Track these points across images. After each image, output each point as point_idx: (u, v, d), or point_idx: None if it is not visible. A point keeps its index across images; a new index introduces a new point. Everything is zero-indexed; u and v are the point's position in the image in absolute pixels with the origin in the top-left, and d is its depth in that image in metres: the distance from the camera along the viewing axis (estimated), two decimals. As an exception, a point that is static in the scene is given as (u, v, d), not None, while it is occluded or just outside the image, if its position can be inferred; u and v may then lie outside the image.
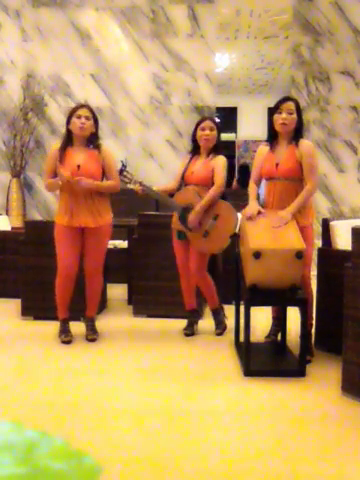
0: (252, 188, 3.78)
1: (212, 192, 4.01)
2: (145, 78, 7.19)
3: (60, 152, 3.88)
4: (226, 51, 9.20)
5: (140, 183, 4.06)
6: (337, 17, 6.88)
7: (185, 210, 4.04)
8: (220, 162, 4.08)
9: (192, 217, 4.01)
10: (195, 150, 4.18)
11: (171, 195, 4.20)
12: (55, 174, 3.87)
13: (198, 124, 4.13)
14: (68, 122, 3.89)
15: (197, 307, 4.35)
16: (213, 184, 4.05)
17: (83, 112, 3.85)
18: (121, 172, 4.06)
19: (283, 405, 2.93)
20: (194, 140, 4.16)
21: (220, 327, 4.27)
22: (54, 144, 4.08)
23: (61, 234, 3.93)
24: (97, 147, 3.94)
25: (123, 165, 4.08)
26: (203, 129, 4.08)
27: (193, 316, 4.30)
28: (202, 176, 4.06)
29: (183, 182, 4.16)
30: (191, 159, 4.17)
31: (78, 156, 3.88)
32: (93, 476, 0.51)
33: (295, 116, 3.61)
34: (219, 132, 4.15)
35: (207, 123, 4.10)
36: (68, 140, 3.92)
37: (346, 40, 6.89)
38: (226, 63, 9.91)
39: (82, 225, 3.89)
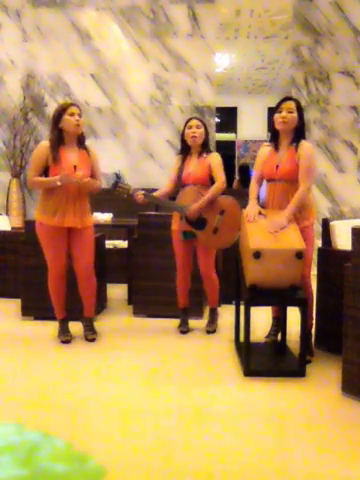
0: (253, 188, 3.78)
1: (215, 188, 4.05)
2: (145, 78, 7.19)
3: (53, 151, 3.80)
4: (226, 51, 9.20)
5: (144, 194, 3.99)
6: (337, 17, 6.88)
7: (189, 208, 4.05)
8: (216, 159, 4.14)
9: (194, 208, 4.01)
10: (185, 151, 4.22)
11: (171, 198, 4.19)
12: (42, 173, 3.84)
13: (185, 124, 4.21)
14: (58, 121, 3.81)
15: (189, 305, 4.38)
16: (211, 182, 4.08)
17: (76, 110, 3.83)
18: (116, 184, 3.99)
19: (283, 405, 2.93)
20: (183, 140, 4.21)
21: (213, 326, 4.34)
22: (42, 142, 3.97)
23: (50, 235, 3.87)
24: (85, 148, 3.94)
25: (117, 177, 4.01)
26: (190, 127, 4.14)
27: (186, 313, 4.36)
28: (199, 176, 4.10)
29: (180, 184, 4.15)
30: (184, 160, 4.19)
31: (72, 156, 3.86)
32: (96, 479, 0.50)
33: (295, 115, 3.62)
34: (207, 130, 4.20)
35: (193, 121, 4.17)
36: (60, 139, 3.84)
37: (346, 40, 6.89)
38: (226, 63, 9.91)
39: (71, 225, 3.86)
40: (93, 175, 3.94)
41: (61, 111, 3.82)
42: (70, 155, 3.85)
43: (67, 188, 3.79)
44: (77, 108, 3.86)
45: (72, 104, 3.92)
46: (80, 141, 3.92)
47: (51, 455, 0.50)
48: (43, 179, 3.83)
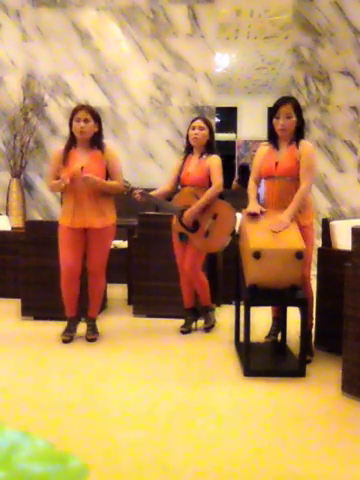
0: (252, 188, 3.77)
1: (210, 192, 4.03)
2: (145, 78, 7.19)
3: (64, 154, 3.89)
4: (226, 51, 9.19)
5: (141, 193, 4.03)
6: (337, 17, 6.88)
7: (184, 212, 4.06)
8: (214, 162, 4.10)
9: (187, 215, 4.03)
10: (189, 150, 4.22)
11: (169, 198, 4.20)
12: (59, 176, 3.87)
13: (190, 124, 4.19)
14: (71, 125, 3.89)
15: (196, 306, 4.37)
16: (209, 184, 4.07)
17: (82, 115, 3.83)
18: None
19: (283, 405, 2.93)
20: (187, 140, 4.20)
21: (208, 323, 4.35)
22: (58, 147, 4.08)
23: (64, 235, 3.93)
24: (100, 148, 3.93)
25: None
26: (193, 128, 4.13)
27: (190, 314, 4.35)
28: (198, 177, 4.09)
29: (179, 184, 4.17)
30: (185, 159, 4.20)
31: (81, 158, 3.87)
32: (78, 479, 0.49)
33: (294, 119, 3.59)
34: (211, 131, 4.17)
35: (197, 122, 4.15)
36: (71, 142, 3.92)
37: (346, 40, 6.89)
38: (226, 63, 9.90)
39: (84, 226, 3.88)
40: (109, 175, 3.94)
41: (71, 115, 3.90)
42: (80, 156, 3.88)
43: (75, 189, 3.83)
44: (85, 112, 3.85)
45: (81, 107, 3.93)
46: (94, 142, 3.91)
47: (31, 455, 0.49)
48: (54, 182, 3.90)
